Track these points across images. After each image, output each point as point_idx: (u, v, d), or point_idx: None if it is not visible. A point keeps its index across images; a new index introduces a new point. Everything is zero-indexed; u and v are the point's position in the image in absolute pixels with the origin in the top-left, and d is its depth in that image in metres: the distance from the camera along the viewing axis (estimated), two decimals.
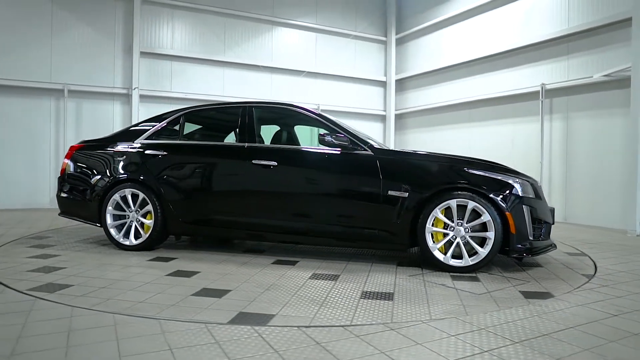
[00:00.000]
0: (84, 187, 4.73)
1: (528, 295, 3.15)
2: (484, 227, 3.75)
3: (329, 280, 3.50)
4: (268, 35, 10.38)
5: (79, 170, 4.81)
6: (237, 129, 4.40)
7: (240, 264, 3.98)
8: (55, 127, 8.42)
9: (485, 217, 3.71)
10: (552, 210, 4.17)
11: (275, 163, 4.12)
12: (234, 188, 4.26)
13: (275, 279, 3.50)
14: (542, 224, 3.90)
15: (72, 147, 4.94)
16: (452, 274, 3.73)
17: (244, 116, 4.42)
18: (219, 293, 3.06)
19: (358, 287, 3.29)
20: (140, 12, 8.86)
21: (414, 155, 4.09)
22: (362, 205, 3.96)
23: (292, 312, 2.69)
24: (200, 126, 4.96)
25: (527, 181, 3.90)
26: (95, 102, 8.71)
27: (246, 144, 4.28)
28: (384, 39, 11.77)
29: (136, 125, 4.94)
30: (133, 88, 8.69)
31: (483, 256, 3.72)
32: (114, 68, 8.80)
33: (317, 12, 10.91)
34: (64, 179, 4.87)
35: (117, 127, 8.86)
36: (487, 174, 3.83)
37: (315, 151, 4.19)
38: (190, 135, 4.77)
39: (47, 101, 8.36)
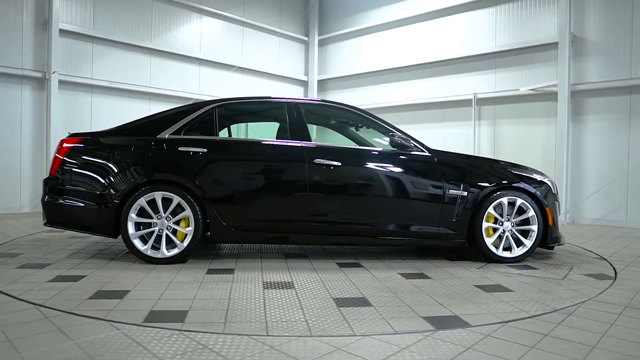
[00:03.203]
0: (90, 191, 3.86)
1: (596, 277, 3.68)
2: (525, 221, 4.22)
3: (422, 278, 3.56)
4: (197, 24, 9.61)
5: (81, 170, 3.92)
6: (288, 127, 4.11)
7: (312, 270, 3.75)
8: None
9: (530, 212, 4.17)
10: None
11: (340, 163, 3.98)
12: (293, 189, 3.96)
13: (376, 281, 3.41)
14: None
15: (64, 141, 3.98)
16: (507, 264, 4.11)
17: (292, 113, 4.15)
18: (359, 302, 2.89)
19: (461, 283, 3.42)
20: None
21: (466, 157, 4.36)
22: (427, 204, 4.08)
23: (465, 311, 2.71)
24: (236, 121, 4.46)
25: (551, 179, 4.51)
26: None
27: (302, 143, 4.03)
28: (305, 39, 11.87)
29: (148, 118, 4.22)
30: (52, 72, 7.20)
31: (528, 247, 4.19)
32: (23, 46, 7.17)
33: (244, 5, 10.48)
34: (55, 180, 3.91)
35: (27, 117, 7.29)
36: (528, 174, 4.31)
37: (378, 151, 4.17)
38: (227, 131, 4.26)
39: None
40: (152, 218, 3.83)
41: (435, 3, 9.43)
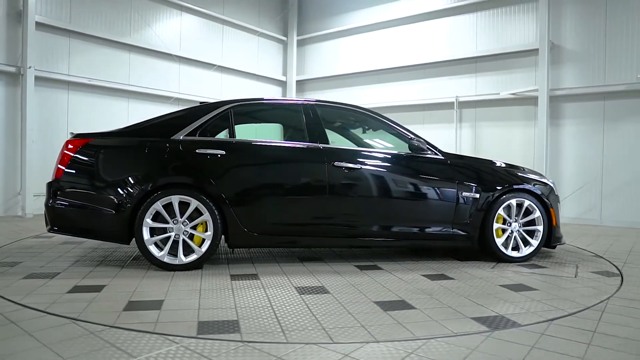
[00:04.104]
0: (101, 195, 3.66)
1: (604, 274, 3.88)
2: (531, 222, 4.37)
3: (446, 279, 3.62)
4: (177, 21, 9.33)
5: (90, 173, 3.71)
6: (305, 129, 4.06)
7: (336, 273, 3.73)
8: None
9: (536, 213, 4.34)
10: None
11: (359, 166, 3.98)
12: (314, 192, 3.92)
13: (404, 283, 3.44)
14: None
15: (71, 142, 3.75)
16: (516, 263, 4.24)
17: (309, 115, 4.11)
18: (401, 305, 2.91)
19: (485, 283, 3.51)
20: None
21: (474, 159, 4.47)
22: (443, 206, 4.15)
23: (507, 310, 2.78)
24: (251, 123, 4.36)
25: (552, 181, 4.71)
26: None
27: (321, 145, 4.00)
28: (284, 39, 11.78)
29: (158, 119, 4.03)
30: (27, 67, 6.76)
31: (535, 247, 4.35)
32: None
33: (224, 3, 10.27)
34: (62, 184, 3.68)
35: None
36: (534, 177, 4.49)
37: (396, 154, 4.20)
38: (243, 133, 4.15)
39: None
40: (167, 223, 3.68)
41: (416, 7, 9.62)
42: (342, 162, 3.95)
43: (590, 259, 4.54)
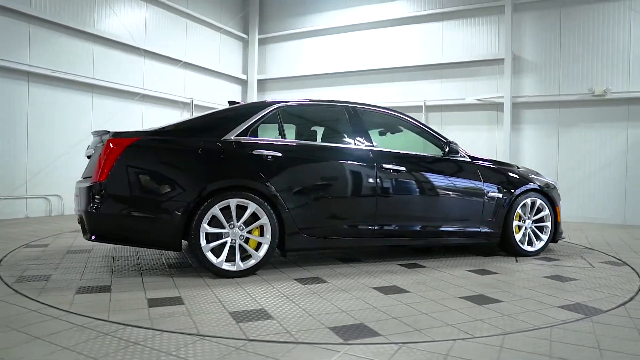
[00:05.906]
0: (152, 199, 3.41)
1: (613, 263, 4.40)
2: (540, 219, 4.81)
3: (492, 274, 3.88)
4: (142, 12, 8.75)
5: (139, 176, 3.43)
6: (352, 131, 4.10)
7: (392, 273, 3.83)
8: None
9: (545, 211, 4.79)
10: None
11: (404, 168, 4.10)
12: (367, 194, 3.97)
13: (462, 279, 3.63)
14: None
15: (113, 141, 3.40)
16: (531, 257, 4.65)
17: (353, 117, 4.16)
18: (487, 299, 3.09)
19: (528, 276, 3.82)
20: None
21: (496, 162, 4.79)
22: (474, 206, 4.42)
23: (579, 299, 3.07)
24: (298, 124, 4.27)
25: (554, 181, 5.20)
26: None
27: (369, 147, 4.06)
28: (245, 36, 11.54)
29: (202, 118, 3.82)
30: None
31: (545, 241, 4.80)
32: None
33: None
34: (106, 187, 3.34)
35: None
36: (543, 178, 4.94)
37: (432, 156, 4.38)
38: (290, 134, 4.06)
39: None
40: (222, 227, 3.52)
41: (381, 13, 9.97)
42: (389, 164, 4.05)
43: (587, 251, 5.10)
